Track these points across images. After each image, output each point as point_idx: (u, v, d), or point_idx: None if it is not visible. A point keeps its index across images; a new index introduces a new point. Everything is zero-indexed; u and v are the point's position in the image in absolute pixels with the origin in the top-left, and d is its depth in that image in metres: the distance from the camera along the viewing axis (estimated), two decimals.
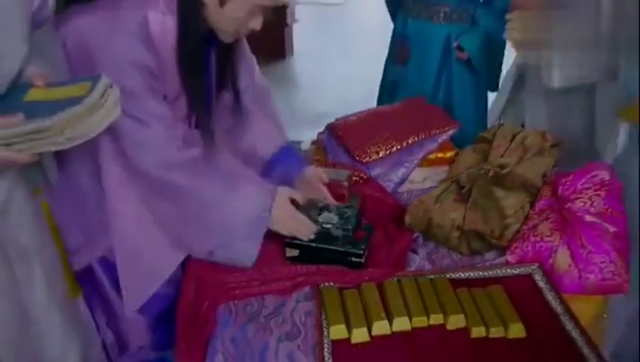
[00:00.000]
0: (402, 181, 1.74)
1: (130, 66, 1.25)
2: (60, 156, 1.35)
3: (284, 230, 1.39)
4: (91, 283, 1.49)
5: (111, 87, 1.08)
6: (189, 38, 1.30)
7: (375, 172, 1.73)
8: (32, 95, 1.08)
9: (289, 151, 1.60)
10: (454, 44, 2.14)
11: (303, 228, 1.40)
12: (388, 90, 2.37)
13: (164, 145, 1.30)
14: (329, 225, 1.39)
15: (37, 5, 1.13)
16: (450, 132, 1.83)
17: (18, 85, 1.11)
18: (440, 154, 1.79)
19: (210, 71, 1.43)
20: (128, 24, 1.25)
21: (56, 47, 1.25)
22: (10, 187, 1.16)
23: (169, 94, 1.35)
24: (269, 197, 1.37)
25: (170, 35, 1.29)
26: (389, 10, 2.45)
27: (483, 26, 2.15)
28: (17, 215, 1.18)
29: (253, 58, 1.61)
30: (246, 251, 1.35)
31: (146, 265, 1.40)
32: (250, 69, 1.58)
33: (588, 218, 1.42)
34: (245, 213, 1.34)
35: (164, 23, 1.27)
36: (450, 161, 1.78)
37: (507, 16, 1.88)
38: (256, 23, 1.34)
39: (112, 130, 1.19)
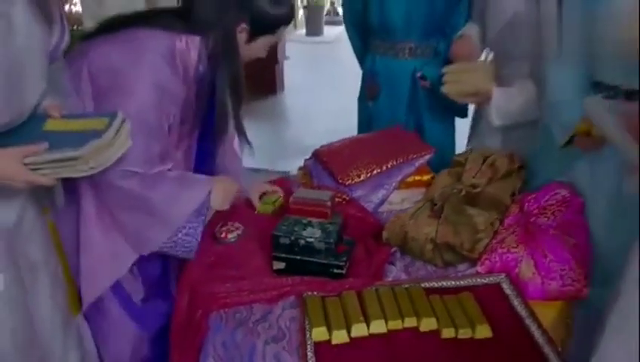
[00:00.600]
0: (382, 202, 1.86)
1: (152, 85, 1.41)
2: (65, 181, 1.47)
3: (222, 207, 1.63)
4: (93, 305, 1.59)
5: (124, 122, 1.22)
6: (230, 68, 1.56)
7: (357, 193, 1.85)
8: (50, 125, 1.24)
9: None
10: (417, 74, 2.28)
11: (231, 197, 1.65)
12: (365, 124, 2.51)
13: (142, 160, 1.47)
14: (312, 239, 1.51)
15: (54, 44, 1.29)
16: (427, 156, 1.97)
17: (35, 116, 1.26)
18: (417, 177, 1.92)
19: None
20: (156, 48, 1.43)
21: (65, 80, 1.39)
22: (22, 205, 1.29)
23: (179, 115, 1.53)
24: (208, 188, 1.56)
25: (192, 63, 1.48)
26: (357, 55, 2.59)
27: (444, 56, 2.28)
28: (28, 230, 1.31)
29: None
30: (190, 244, 1.54)
31: (107, 264, 1.54)
32: None
33: (550, 231, 1.55)
34: (189, 205, 1.52)
35: (187, 53, 1.47)
36: (427, 184, 1.91)
37: (443, 70, 2.00)
38: (264, 54, 1.68)
39: None
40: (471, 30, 2.18)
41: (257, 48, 1.63)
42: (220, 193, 1.58)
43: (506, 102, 1.90)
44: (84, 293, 1.53)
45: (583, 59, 1.54)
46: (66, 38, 1.33)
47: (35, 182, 1.19)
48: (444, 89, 1.99)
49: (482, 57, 2.18)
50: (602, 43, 1.45)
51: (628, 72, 1.42)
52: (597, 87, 1.54)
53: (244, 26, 1.55)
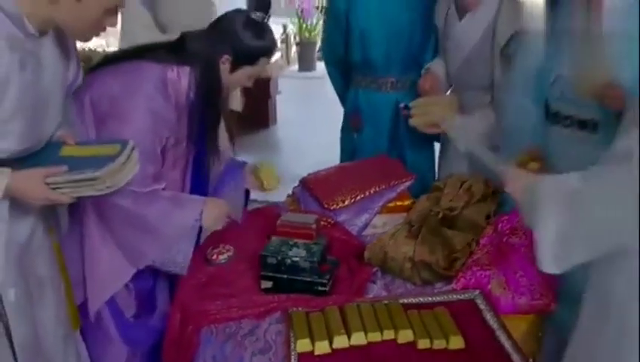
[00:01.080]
0: (365, 226, 1.97)
1: (146, 112, 1.56)
2: (69, 206, 1.59)
3: (213, 227, 1.76)
4: (89, 319, 1.69)
5: (133, 149, 1.39)
6: (214, 99, 1.71)
7: (341, 218, 1.96)
8: (66, 151, 1.40)
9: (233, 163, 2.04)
10: (401, 105, 2.41)
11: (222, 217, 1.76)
12: (349, 154, 2.61)
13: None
14: (297, 258, 1.61)
15: (70, 80, 1.45)
16: (407, 183, 2.08)
17: (51, 143, 1.42)
18: (398, 203, 2.03)
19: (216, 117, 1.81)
20: (150, 78, 1.59)
21: (71, 110, 1.53)
22: (33, 224, 1.43)
23: (173, 138, 1.67)
24: (200, 208, 1.68)
25: (182, 91, 1.64)
26: (337, 92, 2.73)
27: None
28: (37, 248, 1.44)
29: None
30: (183, 259, 1.65)
31: (107, 277, 1.66)
32: None
33: (522, 249, 1.65)
34: (182, 223, 1.65)
35: (178, 82, 1.63)
36: (408, 209, 2.01)
37: (410, 104, 2.20)
38: (250, 84, 1.82)
39: None
40: (437, 65, 2.36)
41: (240, 77, 1.76)
42: (211, 213, 1.69)
43: (468, 130, 2.04)
44: (90, 302, 1.65)
45: (540, 91, 1.68)
46: (80, 75, 1.51)
47: (55, 200, 1.34)
48: (412, 122, 2.18)
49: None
50: (557, 80, 1.60)
51: (580, 105, 1.57)
52: (555, 116, 1.68)
53: (227, 56, 1.69)
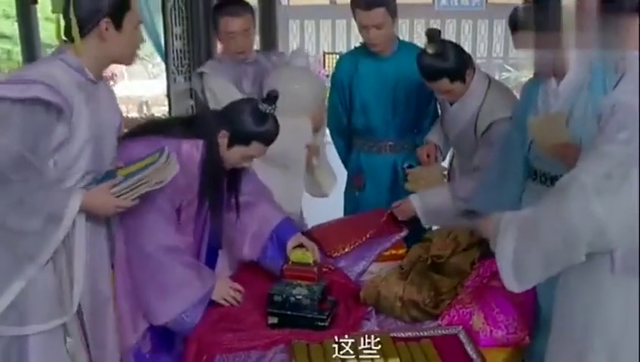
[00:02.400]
0: (363, 272, 2.19)
1: None
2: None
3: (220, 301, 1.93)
4: None
5: (169, 154, 1.72)
6: (213, 166, 1.93)
7: (341, 264, 2.18)
8: (121, 173, 1.71)
9: (287, 222, 2.16)
10: (404, 165, 2.68)
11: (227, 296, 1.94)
12: (351, 212, 2.85)
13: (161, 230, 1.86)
14: (300, 297, 1.82)
15: (117, 125, 1.81)
16: (403, 233, 2.31)
17: (108, 171, 1.75)
18: (393, 251, 2.25)
19: (221, 185, 2.03)
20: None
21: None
22: (100, 249, 1.80)
23: (186, 200, 1.93)
24: (210, 286, 1.90)
25: (195, 161, 1.88)
26: (341, 157, 2.99)
27: None
28: (104, 271, 1.82)
29: (253, 169, 2.21)
30: (190, 324, 1.84)
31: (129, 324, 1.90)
32: (250, 176, 2.18)
33: (500, 290, 1.85)
34: (195, 293, 1.86)
35: (192, 153, 1.88)
36: (402, 257, 2.23)
37: (407, 171, 2.57)
38: (248, 164, 2.05)
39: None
40: (434, 135, 2.68)
41: (234, 155, 1.95)
42: (220, 291, 1.93)
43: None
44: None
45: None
46: (122, 124, 1.86)
47: (121, 205, 1.67)
48: (407, 186, 2.53)
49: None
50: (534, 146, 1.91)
51: (552, 163, 1.83)
52: (534, 173, 1.95)
53: (224, 132, 1.92)
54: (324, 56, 11.44)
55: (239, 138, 1.93)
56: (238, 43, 2.54)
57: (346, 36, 12.93)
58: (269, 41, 5.55)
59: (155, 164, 1.68)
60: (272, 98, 1.93)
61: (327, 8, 12.14)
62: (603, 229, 1.27)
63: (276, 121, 1.97)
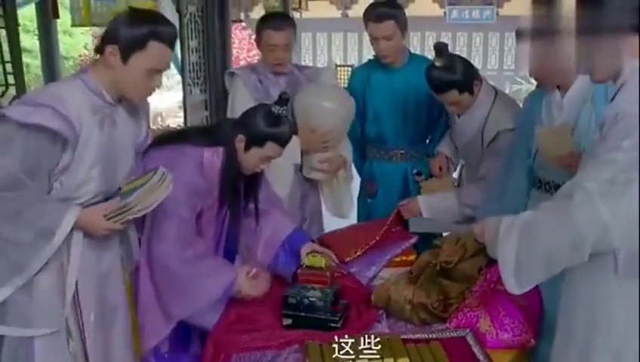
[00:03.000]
0: (374, 277, 2.26)
1: (183, 187, 1.89)
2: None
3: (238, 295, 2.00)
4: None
5: (164, 174, 1.72)
6: (231, 170, 2.02)
7: (353, 269, 2.26)
8: (124, 189, 1.76)
9: (298, 231, 2.30)
10: (413, 171, 2.78)
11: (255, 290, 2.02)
12: (364, 218, 2.96)
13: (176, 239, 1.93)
14: (314, 299, 1.90)
15: (141, 140, 1.88)
16: (412, 240, 2.38)
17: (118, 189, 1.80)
18: (403, 258, 2.33)
19: (239, 189, 2.12)
20: (189, 159, 1.96)
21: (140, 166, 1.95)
22: (112, 259, 1.82)
23: (206, 205, 2.02)
24: (232, 278, 1.97)
25: (215, 168, 1.98)
26: (355, 165, 3.05)
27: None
28: (114, 279, 1.82)
29: (267, 178, 2.32)
30: (211, 319, 1.92)
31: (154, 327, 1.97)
32: (265, 185, 2.28)
33: (506, 294, 1.91)
34: (217, 289, 1.94)
35: (213, 160, 1.97)
36: (411, 263, 2.30)
37: (420, 183, 2.70)
38: (265, 166, 2.13)
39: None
40: (444, 147, 2.79)
41: (252, 157, 2.05)
42: (242, 283, 2.00)
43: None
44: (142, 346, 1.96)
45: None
46: (149, 138, 1.94)
47: (110, 228, 1.70)
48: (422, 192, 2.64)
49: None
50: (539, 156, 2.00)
51: (556, 172, 1.90)
52: (539, 182, 2.02)
53: (241, 136, 2.02)
54: (336, 68, 11.57)
55: (254, 140, 2.03)
56: (277, 55, 2.64)
57: (358, 48, 13.08)
58: None
59: (146, 185, 1.68)
60: (283, 100, 2.04)
61: (339, 21, 12.31)
62: (607, 231, 1.35)
63: (289, 122, 2.08)
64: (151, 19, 1.70)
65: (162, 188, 1.70)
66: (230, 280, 1.97)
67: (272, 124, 2.04)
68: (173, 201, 1.86)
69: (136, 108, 1.87)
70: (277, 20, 2.66)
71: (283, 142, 2.09)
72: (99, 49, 1.72)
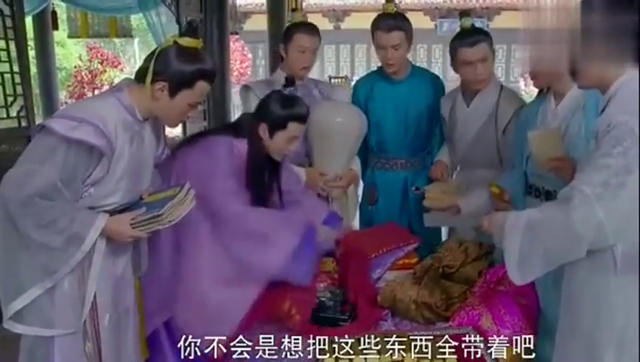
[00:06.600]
0: (379, 278, 2.36)
1: (226, 169, 2.06)
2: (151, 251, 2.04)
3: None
4: (154, 348, 2.06)
5: (189, 189, 1.81)
6: (255, 157, 2.16)
7: None
8: (147, 199, 1.85)
9: (333, 215, 2.47)
10: (412, 188, 2.89)
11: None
12: (365, 225, 3.06)
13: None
14: (324, 299, 2.01)
15: (159, 154, 1.97)
16: (414, 245, 2.49)
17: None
18: (406, 261, 2.43)
19: (264, 176, 2.24)
20: (221, 144, 2.10)
21: (157, 177, 2.06)
22: (125, 262, 1.89)
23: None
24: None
25: (243, 157, 2.12)
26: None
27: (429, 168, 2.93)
28: (126, 281, 1.89)
29: (294, 169, 2.51)
30: (305, 271, 2.01)
31: (220, 313, 1.96)
32: (298, 179, 2.48)
33: (505, 294, 2.03)
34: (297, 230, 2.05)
35: (241, 150, 2.11)
36: (414, 266, 2.41)
37: (425, 190, 2.70)
38: (294, 146, 2.22)
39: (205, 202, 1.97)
40: (443, 155, 2.90)
41: (279, 141, 2.17)
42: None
43: (471, 208, 2.51)
44: (202, 342, 1.88)
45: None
46: (166, 152, 2.03)
47: (136, 236, 1.78)
48: (426, 203, 2.65)
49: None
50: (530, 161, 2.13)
51: (546, 178, 2.05)
52: (530, 188, 2.15)
53: (264, 125, 2.14)
54: (329, 80, 11.75)
55: (276, 125, 2.15)
56: (305, 58, 2.77)
57: (350, 60, 13.24)
58: (277, 66, 5.80)
59: (174, 200, 1.76)
60: (290, 81, 2.18)
61: (332, 33, 12.46)
62: (602, 229, 1.50)
63: (301, 99, 2.22)
64: (198, 59, 1.81)
65: (187, 202, 1.80)
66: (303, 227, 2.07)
67: (287, 105, 2.15)
68: (218, 182, 2.02)
69: (159, 125, 1.97)
70: (309, 26, 2.81)
71: (303, 119, 2.20)
72: (140, 77, 1.81)
